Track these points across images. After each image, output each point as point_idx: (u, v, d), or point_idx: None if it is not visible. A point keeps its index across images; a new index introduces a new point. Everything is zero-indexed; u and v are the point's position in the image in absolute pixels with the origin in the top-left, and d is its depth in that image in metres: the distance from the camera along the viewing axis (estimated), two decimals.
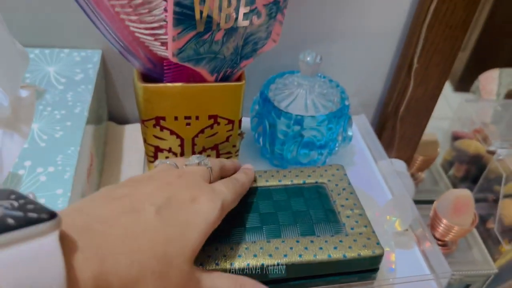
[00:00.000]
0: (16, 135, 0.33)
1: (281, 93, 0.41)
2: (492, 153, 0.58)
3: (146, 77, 0.34)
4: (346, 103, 0.40)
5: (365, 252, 0.31)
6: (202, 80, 0.34)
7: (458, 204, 0.54)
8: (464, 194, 0.55)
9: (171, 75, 0.34)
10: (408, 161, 0.56)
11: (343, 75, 0.48)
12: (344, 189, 0.36)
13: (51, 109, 0.35)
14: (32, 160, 0.31)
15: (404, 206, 0.37)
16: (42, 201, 0.28)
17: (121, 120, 0.49)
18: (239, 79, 0.35)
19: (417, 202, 0.41)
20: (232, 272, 0.30)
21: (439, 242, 0.58)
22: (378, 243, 0.32)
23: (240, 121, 0.37)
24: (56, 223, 0.19)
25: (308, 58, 0.39)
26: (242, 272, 0.30)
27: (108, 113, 0.48)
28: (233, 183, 0.31)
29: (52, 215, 0.20)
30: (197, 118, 0.36)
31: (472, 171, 0.65)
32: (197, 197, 0.28)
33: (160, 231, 0.25)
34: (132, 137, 0.47)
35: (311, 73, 0.40)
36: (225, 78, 0.35)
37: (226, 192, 0.30)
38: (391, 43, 0.47)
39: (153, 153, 0.38)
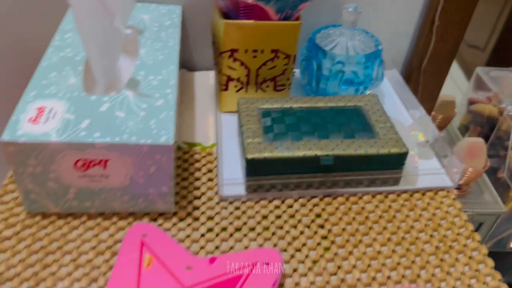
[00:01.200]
0: (130, 57, 0.43)
1: (326, 40, 0.51)
2: (503, 111, 0.66)
3: (225, 17, 0.44)
4: (380, 47, 0.50)
5: (394, 150, 0.40)
6: (267, 20, 0.44)
7: (472, 149, 0.63)
8: (477, 140, 0.63)
9: (245, 15, 0.44)
10: (429, 113, 0.65)
11: (376, 34, 0.57)
12: (378, 109, 0.45)
13: (150, 41, 0.45)
14: (145, 71, 0.41)
15: (426, 123, 0.46)
16: (157, 96, 0.38)
17: (190, 68, 0.59)
18: (297, 19, 0.45)
19: None
20: (292, 159, 0.39)
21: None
22: (404, 145, 0.41)
23: (295, 56, 0.47)
24: None
25: (350, 9, 0.48)
26: (301, 159, 0.39)
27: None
28: None
29: None
30: (262, 51, 0.45)
31: (486, 132, 0.73)
32: None
33: None
34: (201, 81, 0.57)
35: (351, 23, 0.49)
36: (285, 18, 0.44)
37: None
38: (416, 4, 0.56)
39: (225, 82, 0.48)
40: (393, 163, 0.41)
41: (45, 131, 0.33)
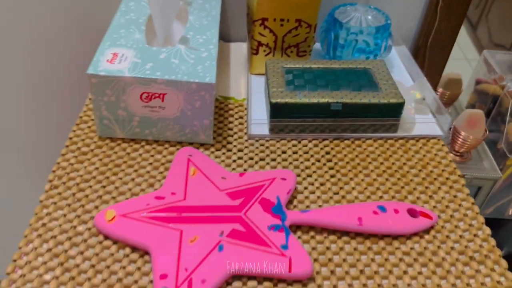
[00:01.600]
0: (182, 21, 0.53)
1: (343, 15, 0.60)
2: (504, 87, 0.74)
3: None
4: (389, 21, 0.58)
5: (393, 100, 0.49)
6: None
7: (471, 119, 0.70)
8: (477, 112, 0.71)
9: None
10: (435, 87, 0.73)
11: (388, 13, 0.66)
12: (383, 71, 0.54)
13: (197, 11, 0.55)
14: (193, 32, 0.51)
15: (423, 84, 0.54)
16: (202, 50, 0.48)
17: (226, 39, 0.69)
18: None
19: None
20: (308, 105, 0.49)
21: (457, 154, 0.74)
22: (401, 97, 0.50)
23: (315, 26, 0.56)
24: None
25: None
26: (315, 104, 0.49)
27: None
28: None
29: None
30: (287, 20, 0.55)
31: (490, 109, 0.80)
32: None
33: None
34: (235, 50, 0.67)
35: (365, 1, 0.58)
36: None
37: None
38: None
39: (256, 47, 0.57)
40: (391, 111, 0.50)
41: (119, 68, 0.44)
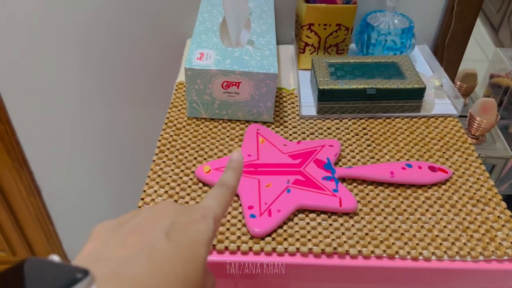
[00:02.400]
0: (246, 27, 0.67)
1: (374, 19, 0.73)
2: None
3: (306, 2, 0.67)
4: (412, 24, 0.71)
5: (416, 85, 0.62)
6: (334, 4, 0.66)
7: (484, 106, 0.82)
8: (489, 99, 0.82)
9: (320, 0, 0.67)
10: (452, 80, 0.85)
11: (411, 18, 0.79)
12: (408, 64, 0.66)
13: (257, 19, 0.70)
14: (256, 36, 0.65)
15: (440, 74, 0.67)
16: (265, 49, 0.62)
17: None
18: (354, 3, 0.67)
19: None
20: (348, 90, 0.62)
21: (473, 137, 0.86)
22: (423, 83, 0.62)
23: (351, 29, 0.69)
24: (90, 279, 0.21)
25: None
26: (354, 90, 0.62)
27: None
28: (221, 193, 0.34)
29: (85, 272, 0.21)
30: (329, 25, 0.68)
31: (503, 99, 0.91)
32: (193, 217, 0.31)
33: (176, 256, 0.27)
34: (284, 51, 0.81)
35: (392, 8, 0.71)
36: (347, 3, 0.67)
37: (215, 206, 0.32)
38: None
39: (303, 47, 0.71)
40: (415, 95, 0.63)
41: (207, 64, 0.58)
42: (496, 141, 0.87)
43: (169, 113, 0.64)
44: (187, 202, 0.51)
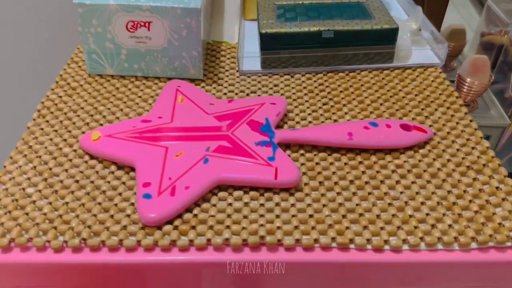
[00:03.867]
0: None
1: None
2: (507, 33, 0.71)
3: None
4: None
5: (386, 26, 0.48)
6: None
7: (476, 64, 0.68)
8: (480, 56, 0.68)
9: None
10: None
11: None
12: (377, 4, 0.52)
13: None
14: None
15: (418, 15, 0.52)
16: None
17: None
18: None
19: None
20: (299, 34, 0.48)
21: (463, 104, 0.72)
22: (395, 22, 0.48)
23: None
24: None
25: None
26: (306, 33, 0.48)
27: None
28: None
29: None
30: None
31: (496, 60, 0.78)
32: None
33: None
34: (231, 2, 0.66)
35: None
36: None
37: None
38: None
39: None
40: (386, 38, 0.49)
41: None
42: (490, 108, 0.73)
43: (64, 69, 0.49)
44: (61, 181, 0.36)
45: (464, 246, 0.32)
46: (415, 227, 0.33)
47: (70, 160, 0.38)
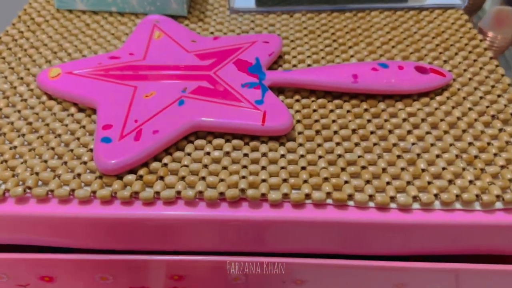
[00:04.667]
0: None
1: None
2: None
3: None
4: None
5: None
6: None
7: (499, 16, 0.61)
8: (505, 8, 0.61)
9: None
10: None
11: None
12: None
13: None
14: None
15: None
16: None
17: None
18: None
19: None
20: None
21: None
22: None
23: None
24: None
25: None
26: None
27: None
28: None
29: None
30: None
31: None
32: None
33: None
34: None
35: None
36: None
37: None
38: None
39: None
40: None
41: None
42: None
43: (29, 3, 0.43)
44: (11, 123, 0.31)
45: (487, 205, 0.26)
46: (429, 183, 0.27)
47: (25, 100, 0.33)
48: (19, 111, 0.32)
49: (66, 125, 0.31)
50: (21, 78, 0.34)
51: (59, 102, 0.32)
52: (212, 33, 0.41)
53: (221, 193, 0.26)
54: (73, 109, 0.32)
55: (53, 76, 0.33)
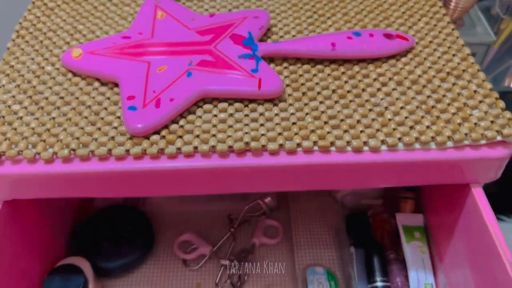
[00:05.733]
0: None
1: None
2: None
3: None
4: None
5: None
6: None
7: None
8: None
9: None
10: None
11: None
12: None
13: None
14: None
15: None
16: None
17: None
18: None
19: None
20: None
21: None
22: None
23: None
24: None
25: None
26: None
27: None
28: None
29: None
30: None
31: None
32: None
33: None
34: None
35: None
36: None
37: None
38: None
39: None
40: None
41: None
42: (477, 25, 0.72)
43: None
44: (46, 98, 0.37)
45: (440, 144, 0.33)
46: (394, 129, 0.34)
47: (53, 78, 0.38)
48: (50, 88, 0.37)
49: (93, 98, 0.36)
50: (46, 59, 0.40)
51: (83, 78, 0.38)
52: (206, 10, 0.46)
53: (230, 146, 0.33)
54: (96, 84, 0.38)
55: (76, 56, 0.38)
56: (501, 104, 0.35)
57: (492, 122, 0.34)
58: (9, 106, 0.35)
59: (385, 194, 0.51)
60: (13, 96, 0.36)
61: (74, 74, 0.38)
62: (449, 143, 0.34)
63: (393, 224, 0.48)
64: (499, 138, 0.33)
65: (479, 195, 0.35)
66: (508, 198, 0.67)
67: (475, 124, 0.34)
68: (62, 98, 0.36)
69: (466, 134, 0.33)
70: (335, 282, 0.45)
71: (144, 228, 0.51)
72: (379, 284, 0.44)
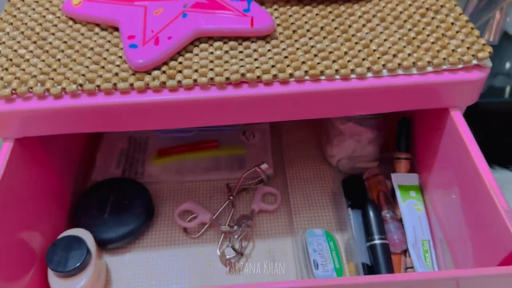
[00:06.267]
0: None
1: None
2: None
3: None
4: None
5: None
6: None
7: None
8: None
9: None
10: None
11: None
12: None
13: None
14: None
15: None
16: None
17: None
18: None
19: None
20: None
21: None
22: None
23: None
24: None
25: None
26: None
27: None
28: None
29: None
30: None
31: None
32: None
33: None
34: None
35: None
36: None
37: None
38: None
39: None
40: None
41: None
42: None
43: None
44: (50, 43, 0.38)
45: (421, 69, 0.36)
46: (378, 58, 0.37)
47: (55, 25, 0.40)
48: (53, 34, 0.39)
49: (95, 41, 0.38)
50: (47, 9, 0.41)
51: (84, 25, 0.40)
52: None
53: (227, 78, 0.35)
54: (97, 29, 0.39)
55: (76, 3, 0.40)
56: (476, 32, 0.38)
57: (468, 48, 0.37)
58: (15, 51, 0.37)
59: (380, 157, 0.53)
60: (18, 42, 0.38)
61: (75, 22, 0.40)
62: (429, 68, 0.36)
63: (389, 185, 0.49)
64: (474, 61, 0.36)
65: (457, 118, 0.38)
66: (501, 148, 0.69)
67: (453, 50, 0.37)
68: (65, 42, 0.38)
69: (444, 59, 0.36)
70: (334, 242, 0.47)
71: (143, 198, 0.50)
72: (377, 241, 0.45)
